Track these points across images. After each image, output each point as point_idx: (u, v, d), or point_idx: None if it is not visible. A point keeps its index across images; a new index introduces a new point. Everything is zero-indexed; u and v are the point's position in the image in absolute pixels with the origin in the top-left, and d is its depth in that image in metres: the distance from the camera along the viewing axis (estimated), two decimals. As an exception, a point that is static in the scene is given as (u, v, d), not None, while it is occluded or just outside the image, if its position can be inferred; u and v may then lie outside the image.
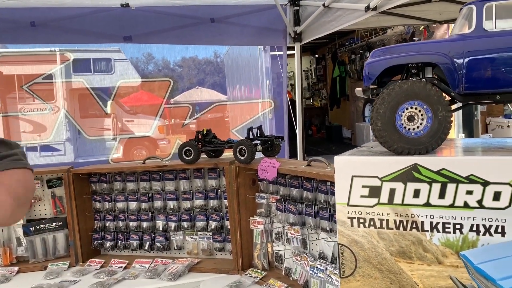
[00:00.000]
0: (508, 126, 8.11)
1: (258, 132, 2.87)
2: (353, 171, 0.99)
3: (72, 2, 3.22)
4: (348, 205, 0.99)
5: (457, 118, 8.02)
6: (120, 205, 3.32)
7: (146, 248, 3.25)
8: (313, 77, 12.96)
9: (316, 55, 12.37)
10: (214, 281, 2.85)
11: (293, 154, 4.46)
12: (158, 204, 3.25)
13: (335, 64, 11.01)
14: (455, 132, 7.77)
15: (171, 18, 3.49)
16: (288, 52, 4.28)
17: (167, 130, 7.51)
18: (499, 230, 0.88)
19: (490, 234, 0.89)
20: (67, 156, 7.50)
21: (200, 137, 3.00)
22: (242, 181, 2.92)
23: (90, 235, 3.26)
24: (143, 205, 3.27)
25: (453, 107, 1.12)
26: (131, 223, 3.29)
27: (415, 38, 7.52)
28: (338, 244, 0.99)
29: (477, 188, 0.89)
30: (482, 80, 0.95)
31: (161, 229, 3.27)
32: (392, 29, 7.96)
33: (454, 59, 0.96)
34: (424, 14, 3.97)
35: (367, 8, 2.57)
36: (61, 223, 3.13)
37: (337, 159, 1.00)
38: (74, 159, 7.30)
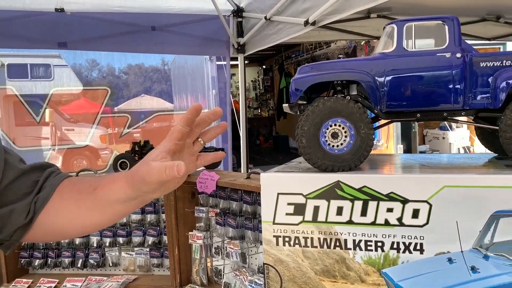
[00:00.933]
0: (443, 138, 8.58)
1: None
2: (279, 188, 0.97)
3: (0, 4, 3.03)
4: (273, 223, 0.97)
5: (395, 129, 8.37)
6: (50, 220, 3.11)
7: (79, 265, 3.08)
8: (261, 88, 13.08)
9: (264, 66, 12.52)
10: (150, 298, 2.73)
11: (239, 164, 4.45)
12: (91, 219, 3.07)
13: (282, 76, 11.18)
14: (394, 144, 8.10)
15: (110, 25, 3.37)
16: (235, 63, 4.28)
17: (109, 139, 7.25)
18: (418, 247, 0.89)
19: (410, 252, 0.90)
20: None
21: (137, 148, 2.90)
22: (180, 195, 2.84)
23: (17, 253, 3.05)
24: (76, 221, 3.08)
25: (381, 122, 1.13)
26: (62, 240, 3.11)
27: (371, 51, 7.78)
28: (264, 263, 0.96)
29: (397, 206, 0.90)
30: (402, 98, 0.96)
31: (95, 245, 3.12)
32: (336, 43, 8.20)
33: (376, 78, 0.97)
34: (363, 29, 4.11)
35: (306, 23, 2.61)
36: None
37: (263, 176, 0.98)
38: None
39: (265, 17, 3.20)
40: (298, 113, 1.05)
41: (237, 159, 5.75)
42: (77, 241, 3.01)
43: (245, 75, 4.01)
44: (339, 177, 0.93)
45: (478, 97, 0.93)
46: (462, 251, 0.87)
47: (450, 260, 0.88)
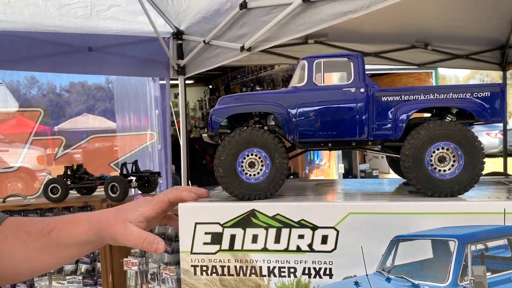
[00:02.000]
0: (382, 157, 8.98)
1: (134, 167, 2.77)
2: (196, 218, 0.99)
3: None
4: (191, 253, 0.98)
5: (337, 158, 8.64)
6: (-28, 251, 2.92)
7: (4, 298, 2.90)
8: (207, 107, 13.08)
9: (210, 86, 12.56)
10: (82, 330, 2.63)
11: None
12: (19, 247, 2.92)
13: (228, 96, 11.28)
14: (336, 163, 8.36)
15: (43, 45, 3.27)
16: (174, 82, 4.27)
17: (47, 160, 6.92)
18: (327, 272, 0.94)
19: (320, 276, 0.94)
20: None
21: (69, 172, 2.81)
22: (114, 220, 2.77)
23: None
24: (1, 250, 2.91)
25: (298, 151, 1.18)
26: (2, 285, 2.93)
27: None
28: None
29: (307, 232, 0.94)
30: (313, 129, 1.02)
31: (22, 275, 2.94)
32: (279, 66, 8.40)
33: (289, 110, 1.02)
34: (303, 54, 4.25)
35: (242, 48, 2.67)
36: None
37: (181, 206, 1.00)
38: None
39: (204, 41, 3.24)
40: (219, 142, 1.08)
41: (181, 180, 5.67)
42: (3, 272, 2.83)
43: (185, 96, 4.02)
44: (254, 205, 0.97)
45: (381, 129, 1.01)
46: (367, 275, 0.92)
47: (356, 283, 0.93)
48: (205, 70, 3.58)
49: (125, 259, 2.76)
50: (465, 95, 0.98)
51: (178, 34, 3.70)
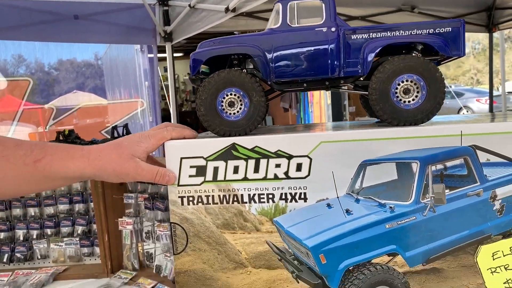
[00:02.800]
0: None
1: (125, 131, 2.84)
2: (182, 153, 1.06)
3: None
4: (178, 185, 1.06)
5: (327, 118, 8.71)
6: (-30, 215, 3.00)
7: (5, 260, 3.01)
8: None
9: (199, 59, 12.45)
10: (82, 286, 2.75)
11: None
12: (17, 212, 3.01)
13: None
14: (325, 110, 8.41)
15: (29, 13, 3.27)
16: (162, 55, 4.28)
17: (40, 137, 6.95)
18: (302, 196, 1.02)
19: (296, 201, 1.03)
20: None
21: (61, 138, 2.87)
22: (108, 183, 2.85)
23: None
24: (0, 214, 3.00)
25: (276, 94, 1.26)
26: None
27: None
28: (171, 223, 1.05)
29: (283, 162, 1.02)
30: (288, 70, 1.09)
31: (21, 238, 3.04)
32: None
33: (265, 51, 1.09)
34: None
35: (227, 10, 2.70)
36: None
37: (168, 144, 1.07)
38: None
39: (189, 5, 3.26)
40: (200, 85, 1.14)
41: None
42: (1, 235, 2.93)
43: (173, 64, 4.04)
44: (234, 139, 1.05)
45: (351, 66, 1.08)
46: (338, 197, 1.01)
47: (328, 205, 1.02)
48: (193, 40, 3.61)
49: (119, 219, 2.84)
50: (428, 31, 1.04)
51: (163, 0, 3.71)
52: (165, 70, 7.01)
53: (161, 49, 4.06)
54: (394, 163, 0.98)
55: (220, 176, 1.05)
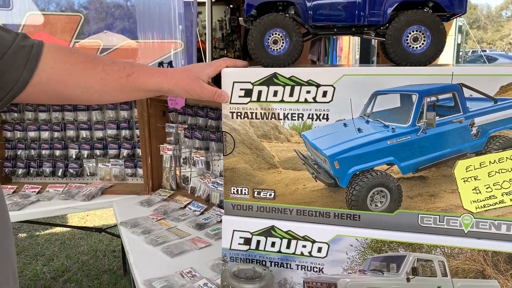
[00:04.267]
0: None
1: (169, 67, 3.15)
2: (234, 78, 1.37)
3: None
4: (230, 103, 1.38)
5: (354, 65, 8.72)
6: (32, 134, 3.45)
7: (59, 174, 3.45)
8: (228, 28, 13.00)
9: (231, 5, 12.43)
10: (126, 200, 3.18)
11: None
12: (70, 133, 3.43)
13: (248, 15, 11.21)
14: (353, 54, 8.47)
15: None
16: (202, 0, 4.46)
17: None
18: (325, 117, 1.33)
19: (320, 120, 1.33)
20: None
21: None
22: (153, 112, 3.23)
23: (1, 163, 3.37)
24: (56, 135, 3.43)
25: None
26: (43, 151, 3.45)
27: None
28: (222, 131, 1.38)
29: (313, 89, 1.32)
30: (322, 16, 1.36)
31: (74, 156, 3.47)
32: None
33: (306, 0, 1.36)
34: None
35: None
36: (-30, 149, 3.19)
37: (224, 70, 1.38)
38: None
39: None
40: (251, 26, 1.43)
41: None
42: (57, 152, 3.35)
43: (212, 11, 4.25)
44: (275, 70, 1.34)
45: (374, 16, 1.34)
46: (352, 118, 1.31)
47: (345, 124, 1.32)
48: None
49: (161, 145, 3.22)
50: (438, -9, 1.30)
51: None
52: (197, 15, 7.18)
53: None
54: (399, 94, 1.27)
55: (263, 98, 1.35)
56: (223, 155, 1.42)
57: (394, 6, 1.30)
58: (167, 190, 3.06)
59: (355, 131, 1.31)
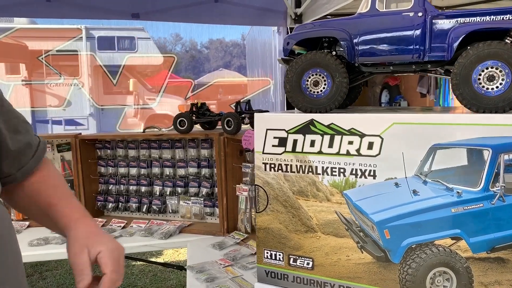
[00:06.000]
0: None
1: (247, 106, 3.09)
2: (267, 125, 1.21)
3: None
4: (263, 153, 1.22)
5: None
6: (122, 170, 3.62)
7: (144, 210, 3.56)
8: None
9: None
10: (201, 241, 3.12)
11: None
12: (155, 170, 3.53)
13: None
14: None
15: (178, -3, 3.71)
16: None
17: (187, 109, 7.81)
18: (372, 173, 1.09)
19: (365, 177, 1.10)
20: (90, 130, 7.91)
21: (194, 109, 3.25)
22: (230, 151, 3.16)
23: (94, 197, 3.59)
24: (142, 171, 3.56)
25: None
26: (131, 187, 3.58)
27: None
28: (255, 185, 1.22)
29: (356, 139, 1.10)
30: (373, 51, 1.14)
31: (158, 193, 3.56)
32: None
33: (352, 35, 1.15)
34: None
35: (351, -9, 2.73)
36: (69, 185, 3.46)
37: (257, 115, 1.23)
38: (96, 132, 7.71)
39: (318, -13, 3.34)
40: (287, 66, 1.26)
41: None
42: (143, 188, 3.45)
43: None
44: (312, 116, 1.15)
45: (436, 51, 1.08)
46: (406, 177, 1.05)
47: (396, 184, 1.06)
48: (320, 16, 3.67)
49: (237, 185, 3.12)
50: (523, 16, 0.99)
51: (296, -17, 3.84)
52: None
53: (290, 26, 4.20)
54: (465, 148, 0.98)
55: (298, 148, 1.16)
56: (256, 212, 1.25)
57: (461, 38, 1.03)
58: (241, 233, 2.94)
59: (409, 193, 1.05)
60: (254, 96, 6.44)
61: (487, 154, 0.96)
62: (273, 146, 1.21)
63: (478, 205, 0.97)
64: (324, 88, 1.18)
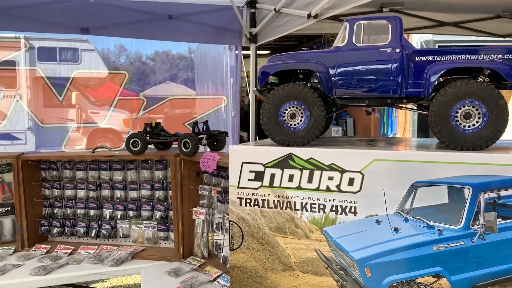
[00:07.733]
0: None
1: (205, 127, 3.02)
2: (243, 158, 1.16)
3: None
4: (238, 187, 1.16)
5: (412, 124, 8.33)
6: (68, 192, 3.39)
7: (93, 235, 3.33)
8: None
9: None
10: (155, 267, 2.96)
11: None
12: (105, 193, 3.33)
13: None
14: (410, 136, 8.05)
15: (129, 13, 3.59)
16: (259, 52, 4.42)
17: (133, 123, 7.53)
18: (352, 210, 1.07)
19: (346, 214, 1.07)
20: (28, 146, 7.42)
21: (148, 129, 3.12)
22: (186, 173, 3.05)
23: (38, 221, 3.31)
24: (91, 193, 3.34)
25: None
26: (78, 211, 3.36)
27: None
28: (229, 221, 1.16)
29: (336, 175, 1.07)
30: (350, 86, 1.13)
31: (107, 217, 3.35)
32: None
33: (329, 68, 1.14)
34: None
35: (309, 16, 2.75)
36: (9, 208, 3.17)
37: (231, 148, 1.17)
38: (35, 148, 7.21)
39: (274, 9, 3.35)
40: (266, 96, 1.23)
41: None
42: (92, 212, 3.25)
43: (256, 63, 4.17)
44: (291, 150, 1.12)
45: (414, 87, 1.09)
46: (387, 214, 1.04)
47: (377, 221, 1.05)
48: (279, 40, 3.70)
49: (194, 208, 3.01)
50: (496, 57, 1.02)
51: (251, 3, 3.84)
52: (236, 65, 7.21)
53: (246, 47, 4.20)
54: (446, 187, 0.99)
55: (276, 183, 1.12)
56: (230, 250, 1.19)
57: (438, 75, 1.05)
58: (198, 259, 2.83)
59: (390, 230, 1.03)
60: (206, 114, 6.36)
61: (467, 193, 0.97)
62: (249, 180, 1.16)
63: (459, 243, 0.98)
64: (301, 121, 1.15)
